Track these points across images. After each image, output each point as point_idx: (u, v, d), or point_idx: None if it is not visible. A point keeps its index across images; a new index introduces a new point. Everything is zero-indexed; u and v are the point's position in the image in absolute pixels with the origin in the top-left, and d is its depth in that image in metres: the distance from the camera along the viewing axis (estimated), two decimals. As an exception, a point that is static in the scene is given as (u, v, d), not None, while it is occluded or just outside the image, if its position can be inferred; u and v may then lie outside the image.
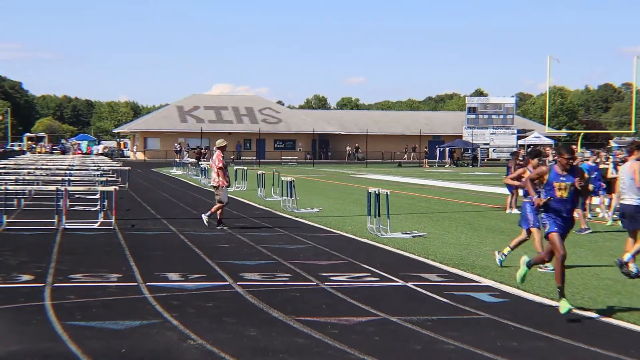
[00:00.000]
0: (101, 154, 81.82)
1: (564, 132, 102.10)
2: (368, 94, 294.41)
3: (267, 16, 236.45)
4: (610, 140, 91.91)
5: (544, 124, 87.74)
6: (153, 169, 54.98)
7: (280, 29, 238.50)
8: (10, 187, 20.17)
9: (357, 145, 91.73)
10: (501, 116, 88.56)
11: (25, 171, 29.67)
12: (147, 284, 10.85)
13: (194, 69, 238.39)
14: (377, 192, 17.15)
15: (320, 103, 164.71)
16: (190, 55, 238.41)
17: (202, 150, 62.25)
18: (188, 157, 65.59)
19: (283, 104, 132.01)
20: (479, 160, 78.33)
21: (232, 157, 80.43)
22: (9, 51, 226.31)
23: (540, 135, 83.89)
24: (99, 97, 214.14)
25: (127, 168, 35.06)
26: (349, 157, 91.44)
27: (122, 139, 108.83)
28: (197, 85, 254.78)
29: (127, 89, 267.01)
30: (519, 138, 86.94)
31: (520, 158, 22.93)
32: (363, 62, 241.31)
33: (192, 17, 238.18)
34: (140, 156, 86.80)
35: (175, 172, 51.91)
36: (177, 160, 61.85)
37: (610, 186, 20.90)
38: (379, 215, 17.20)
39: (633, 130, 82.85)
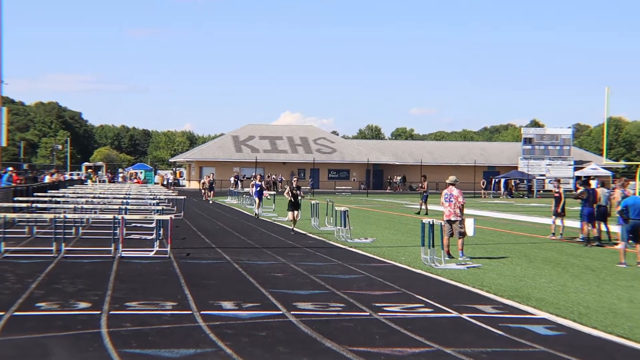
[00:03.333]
0: (171, 183, 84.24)
1: (622, 163, 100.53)
2: (423, 125, 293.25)
3: (341, 48, 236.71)
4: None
5: (600, 155, 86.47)
6: (208, 199, 55.33)
7: (349, 60, 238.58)
8: (69, 216, 20.55)
9: (400, 175, 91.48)
10: (557, 147, 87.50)
11: (84, 200, 30.15)
12: (202, 312, 10.93)
13: (260, 97, 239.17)
14: (431, 223, 17.08)
15: (374, 133, 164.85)
16: (256, 83, 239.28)
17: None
18: (242, 187, 65.95)
19: (338, 134, 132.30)
20: (535, 192, 77.46)
21: (286, 186, 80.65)
22: (71, 83, 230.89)
23: (597, 166, 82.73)
24: (157, 127, 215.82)
25: (182, 197, 35.45)
26: (391, 186, 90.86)
27: (178, 168, 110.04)
28: (263, 114, 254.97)
29: (187, 118, 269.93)
30: (575, 169, 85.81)
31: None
32: (421, 93, 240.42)
33: (259, 46, 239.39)
34: (195, 185, 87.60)
35: (230, 201, 52.25)
36: (233, 189, 62.18)
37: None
38: (433, 246, 17.12)
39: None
